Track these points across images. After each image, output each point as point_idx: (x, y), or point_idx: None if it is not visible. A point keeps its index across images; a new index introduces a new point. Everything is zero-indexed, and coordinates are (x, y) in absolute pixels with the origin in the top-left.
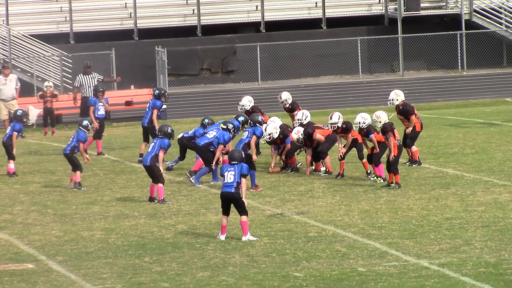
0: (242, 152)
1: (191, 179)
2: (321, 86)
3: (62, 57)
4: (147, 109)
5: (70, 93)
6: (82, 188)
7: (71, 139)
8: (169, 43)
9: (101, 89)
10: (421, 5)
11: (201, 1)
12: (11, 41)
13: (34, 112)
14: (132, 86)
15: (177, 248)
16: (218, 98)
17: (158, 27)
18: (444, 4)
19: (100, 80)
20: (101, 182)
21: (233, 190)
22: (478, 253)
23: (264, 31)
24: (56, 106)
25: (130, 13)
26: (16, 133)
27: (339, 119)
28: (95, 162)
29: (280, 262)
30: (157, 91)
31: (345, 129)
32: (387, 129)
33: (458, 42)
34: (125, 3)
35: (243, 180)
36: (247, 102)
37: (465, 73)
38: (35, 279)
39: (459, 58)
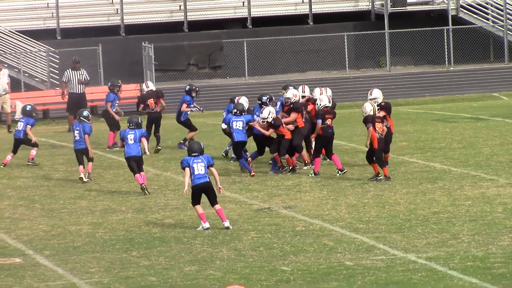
0: (201, 143)
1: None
2: (308, 82)
3: (49, 53)
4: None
5: (58, 88)
6: (89, 180)
7: (77, 134)
8: (155, 38)
9: (119, 84)
10: (408, 0)
11: None
12: None
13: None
14: (119, 82)
15: (164, 242)
16: (205, 93)
17: (145, 23)
18: None
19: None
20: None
21: (208, 180)
22: (466, 247)
23: (250, 26)
24: (43, 101)
25: (117, 9)
26: (30, 126)
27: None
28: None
29: (268, 256)
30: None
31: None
32: (368, 119)
33: (445, 37)
34: None
35: (213, 169)
36: (245, 103)
37: (452, 68)
38: (22, 274)
39: (446, 53)
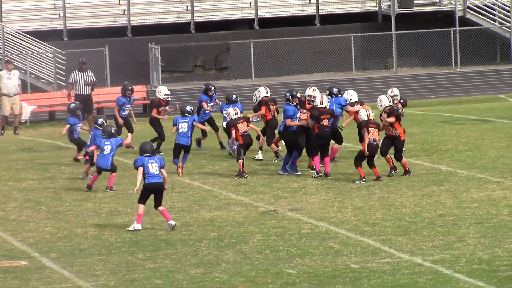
0: (153, 144)
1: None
2: (314, 83)
3: (56, 54)
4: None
5: (64, 89)
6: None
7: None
8: (162, 40)
9: (130, 88)
10: (415, 1)
11: None
12: (5, 38)
13: (28, 109)
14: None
15: (170, 245)
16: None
17: (152, 24)
18: (438, 0)
19: (94, 81)
20: None
21: (161, 181)
22: (472, 250)
23: (257, 28)
24: (50, 103)
25: (124, 10)
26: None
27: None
28: None
29: (273, 259)
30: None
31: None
32: (362, 124)
33: (452, 39)
34: (119, 0)
35: (164, 171)
36: (257, 93)
37: (458, 70)
38: (28, 276)
39: (453, 55)
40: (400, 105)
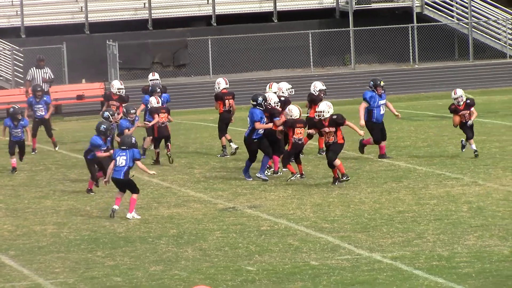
0: (133, 138)
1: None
2: (273, 80)
3: (13, 51)
4: None
5: (22, 87)
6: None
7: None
8: (120, 37)
9: (39, 89)
10: None
11: None
12: None
13: None
14: (83, 80)
15: (129, 242)
16: (169, 91)
17: (109, 21)
18: None
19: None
20: (52, 176)
21: (122, 177)
22: (431, 246)
23: (215, 24)
24: (8, 100)
25: (81, 7)
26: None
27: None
28: (47, 156)
29: (233, 256)
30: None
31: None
32: (287, 124)
33: (410, 35)
34: None
35: (138, 163)
36: (216, 84)
37: (416, 66)
38: None
39: (411, 51)
40: (464, 108)
